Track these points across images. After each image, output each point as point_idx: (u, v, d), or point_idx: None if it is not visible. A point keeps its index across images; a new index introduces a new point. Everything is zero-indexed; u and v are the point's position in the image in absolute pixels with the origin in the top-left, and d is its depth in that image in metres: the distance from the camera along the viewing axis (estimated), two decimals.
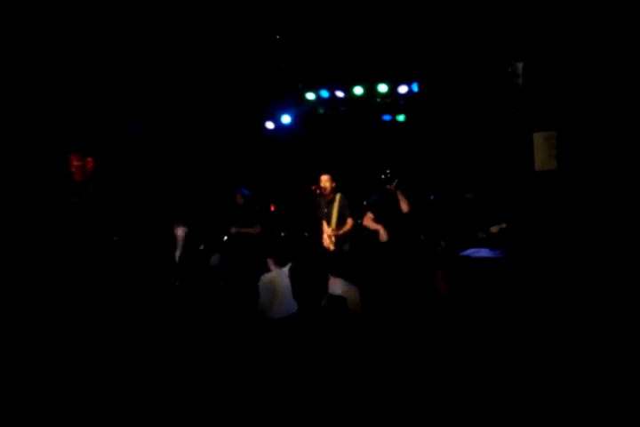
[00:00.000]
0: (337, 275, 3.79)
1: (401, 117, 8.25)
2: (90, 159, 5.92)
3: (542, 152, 5.68)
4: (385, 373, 2.33)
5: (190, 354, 2.46)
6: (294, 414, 2.15)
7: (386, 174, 6.19)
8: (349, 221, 6.43)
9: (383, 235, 6.22)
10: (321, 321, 2.60)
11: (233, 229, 6.74)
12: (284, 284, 3.87)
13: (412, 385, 2.31)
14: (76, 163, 5.64)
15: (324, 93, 8.16)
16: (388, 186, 6.20)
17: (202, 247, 4.82)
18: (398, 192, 6.23)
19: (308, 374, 2.26)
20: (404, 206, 6.24)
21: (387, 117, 8.29)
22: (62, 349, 2.50)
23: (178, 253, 5.56)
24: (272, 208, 8.40)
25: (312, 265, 2.79)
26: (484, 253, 5.18)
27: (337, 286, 3.72)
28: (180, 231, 4.97)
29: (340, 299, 3.10)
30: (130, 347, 2.56)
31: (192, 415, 2.27)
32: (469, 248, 4.77)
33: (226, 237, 5.14)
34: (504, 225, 5.48)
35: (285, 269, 3.97)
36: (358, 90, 7.96)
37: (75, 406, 2.31)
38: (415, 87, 7.80)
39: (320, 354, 2.33)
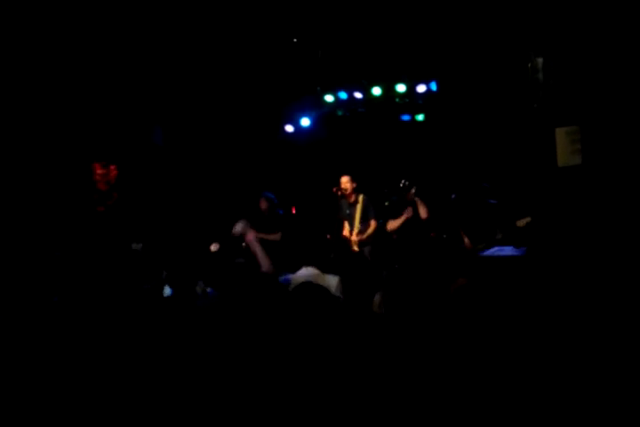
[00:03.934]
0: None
1: (420, 117, 8.21)
2: (113, 167, 6.01)
3: (565, 148, 5.60)
4: (393, 374, 2.33)
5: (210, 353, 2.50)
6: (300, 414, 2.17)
7: (403, 184, 6.17)
8: (373, 224, 6.41)
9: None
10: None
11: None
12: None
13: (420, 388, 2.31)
14: (99, 171, 5.73)
15: (343, 95, 8.16)
16: (406, 194, 6.16)
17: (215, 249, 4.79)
18: (417, 199, 6.19)
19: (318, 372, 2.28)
20: (423, 213, 6.19)
21: (406, 117, 8.25)
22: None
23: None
24: (293, 211, 8.41)
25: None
26: (507, 251, 5.14)
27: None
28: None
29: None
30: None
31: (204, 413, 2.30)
32: (492, 247, 4.73)
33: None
34: (529, 219, 5.40)
35: (302, 272, 3.99)
36: (376, 90, 7.95)
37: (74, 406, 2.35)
38: (434, 86, 7.76)
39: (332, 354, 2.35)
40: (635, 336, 2.59)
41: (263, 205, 6.76)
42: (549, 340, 2.62)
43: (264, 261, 3.56)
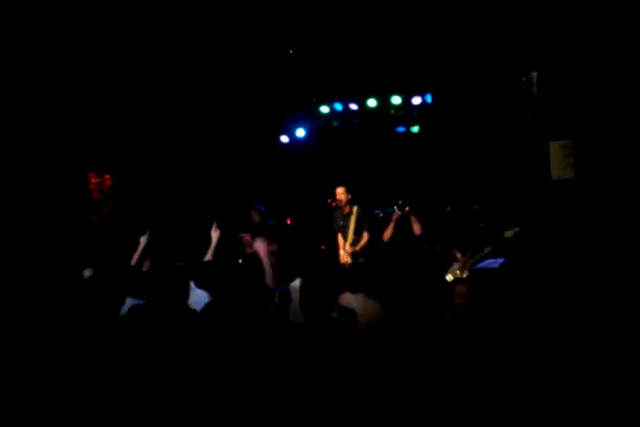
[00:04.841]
0: (357, 291, 3.77)
1: (415, 129, 8.23)
2: (108, 176, 6.02)
3: (559, 161, 5.64)
4: (389, 384, 2.33)
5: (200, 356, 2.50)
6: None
7: (398, 203, 6.16)
8: (366, 235, 6.39)
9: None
10: (328, 332, 2.62)
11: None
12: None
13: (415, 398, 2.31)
14: (94, 180, 5.74)
15: (338, 106, 8.19)
16: (399, 210, 6.14)
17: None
18: (411, 216, 6.19)
19: (310, 381, 2.28)
20: (417, 230, 6.18)
21: (401, 129, 8.28)
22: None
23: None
24: (288, 221, 8.40)
25: (322, 279, 2.83)
26: (500, 263, 5.15)
27: (357, 300, 3.71)
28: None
29: (350, 312, 3.10)
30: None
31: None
32: (485, 260, 4.74)
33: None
34: (518, 229, 5.45)
35: (296, 283, 3.99)
36: (372, 102, 7.98)
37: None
38: (429, 98, 7.80)
39: (324, 364, 2.35)
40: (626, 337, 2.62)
41: (255, 217, 6.86)
42: (546, 349, 2.63)
43: (269, 276, 3.66)
